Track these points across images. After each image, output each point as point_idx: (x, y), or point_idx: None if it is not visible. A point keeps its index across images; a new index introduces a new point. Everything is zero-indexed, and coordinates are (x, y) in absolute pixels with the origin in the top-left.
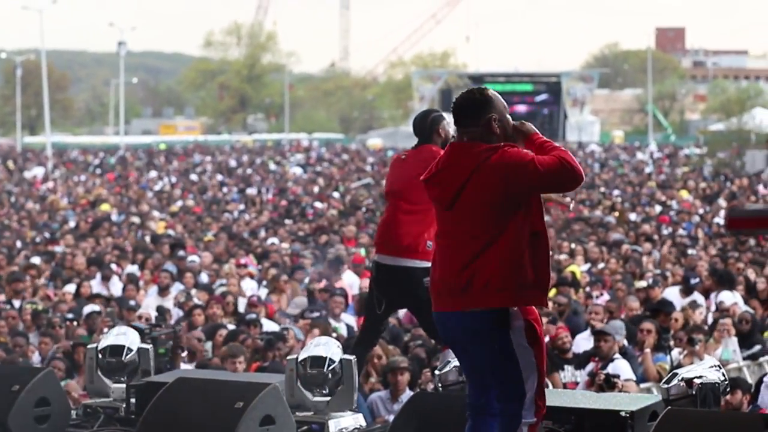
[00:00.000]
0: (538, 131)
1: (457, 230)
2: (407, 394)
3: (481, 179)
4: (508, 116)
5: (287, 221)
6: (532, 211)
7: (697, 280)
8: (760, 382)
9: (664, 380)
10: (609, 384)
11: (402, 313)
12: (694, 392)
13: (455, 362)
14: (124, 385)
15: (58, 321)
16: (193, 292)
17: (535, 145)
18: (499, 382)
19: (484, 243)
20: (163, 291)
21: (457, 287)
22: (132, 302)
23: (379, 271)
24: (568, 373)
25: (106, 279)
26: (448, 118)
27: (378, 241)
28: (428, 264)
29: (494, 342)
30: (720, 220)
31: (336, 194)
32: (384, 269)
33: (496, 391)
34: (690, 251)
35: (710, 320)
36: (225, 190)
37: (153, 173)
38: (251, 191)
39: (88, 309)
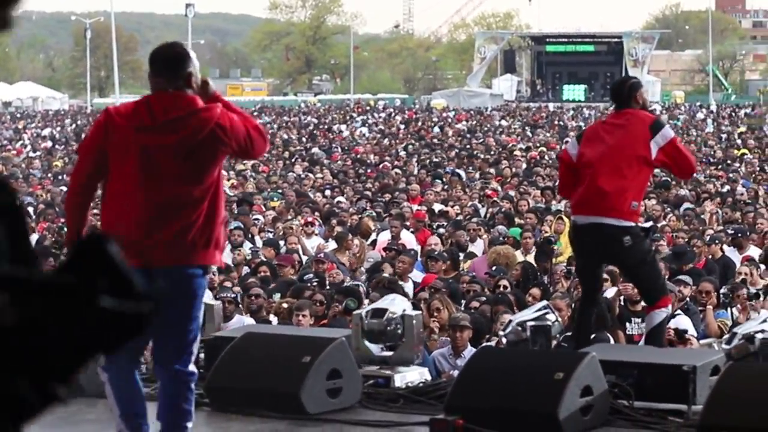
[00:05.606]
0: (219, 94)
1: (186, 181)
2: (469, 350)
3: (214, 136)
4: (200, 76)
5: (351, 180)
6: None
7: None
8: None
9: (725, 337)
10: (681, 339)
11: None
12: (755, 347)
13: (517, 320)
14: None
15: None
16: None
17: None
18: (186, 337)
19: (201, 197)
20: (236, 248)
21: (170, 242)
22: None
23: (585, 231)
24: (635, 326)
25: None
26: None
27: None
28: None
29: (197, 295)
30: None
31: (402, 153)
32: (589, 229)
33: (178, 351)
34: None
35: None
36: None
37: None
38: (317, 150)
39: None
